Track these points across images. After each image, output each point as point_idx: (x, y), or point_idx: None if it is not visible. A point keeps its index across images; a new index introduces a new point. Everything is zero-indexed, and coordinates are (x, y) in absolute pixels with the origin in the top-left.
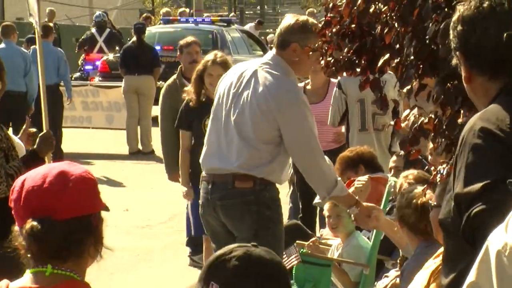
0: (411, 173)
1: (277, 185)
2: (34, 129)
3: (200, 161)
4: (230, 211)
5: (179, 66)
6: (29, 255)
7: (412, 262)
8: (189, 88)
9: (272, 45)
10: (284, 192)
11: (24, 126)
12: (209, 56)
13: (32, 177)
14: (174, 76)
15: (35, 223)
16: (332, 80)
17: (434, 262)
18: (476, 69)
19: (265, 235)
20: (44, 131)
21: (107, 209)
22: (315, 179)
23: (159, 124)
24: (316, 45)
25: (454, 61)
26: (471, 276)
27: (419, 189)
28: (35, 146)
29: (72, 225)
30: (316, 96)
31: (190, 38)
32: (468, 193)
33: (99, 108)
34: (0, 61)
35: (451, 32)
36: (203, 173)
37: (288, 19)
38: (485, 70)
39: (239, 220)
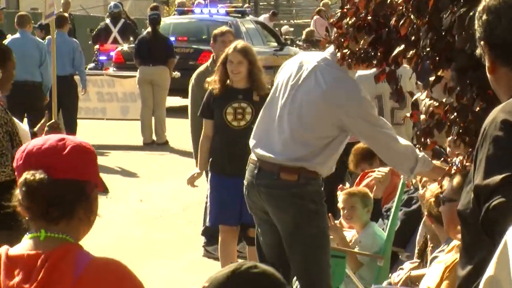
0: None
1: None
2: (53, 121)
3: (250, 143)
4: (275, 201)
5: (211, 55)
6: (26, 216)
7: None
8: (212, 78)
9: (286, 36)
10: None
11: (42, 121)
12: (232, 44)
13: (36, 140)
14: (206, 65)
15: (29, 175)
16: None
17: (448, 256)
18: (501, 59)
19: (308, 228)
20: (53, 120)
21: (105, 189)
22: (396, 159)
23: (189, 114)
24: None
25: (478, 51)
26: (490, 270)
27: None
28: (43, 134)
29: (64, 185)
30: None
31: (224, 28)
32: (487, 185)
33: (114, 99)
34: (7, 51)
35: (476, 21)
36: (251, 156)
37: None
38: (509, 61)
39: (282, 211)
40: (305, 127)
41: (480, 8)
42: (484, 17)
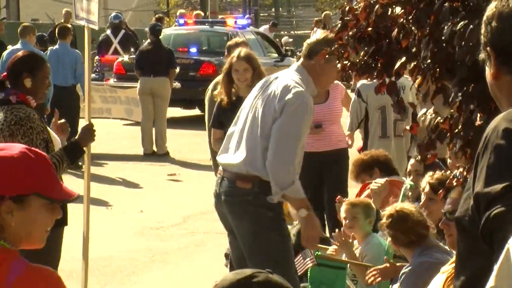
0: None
1: None
2: (63, 120)
3: (218, 158)
4: (232, 208)
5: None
6: None
7: (409, 268)
8: (219, 89)
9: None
10: None
11: (53, 119)
12: (234, 53)
13: None
14: (221, 76)
15: None
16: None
17: (450, 266)
18: (507, 67)
19: (268, 236)
20: (86, 123)
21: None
22: (276, 171)
23: (206, 125)
24: (333, 48)
25: (482, 56)
26: (491, 281)
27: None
28: (77, 137)
29: None
30: (317, 97)
31: (239, 39)
32: (488, 193)
33: (117, 101)
34: (38, 59)
35: (482, 27)
36: (219, 169)
37: (318, 34)
38: None
39: (238, 218)
40: (261, 136)
41: (489, 13)
42: (494, 23)
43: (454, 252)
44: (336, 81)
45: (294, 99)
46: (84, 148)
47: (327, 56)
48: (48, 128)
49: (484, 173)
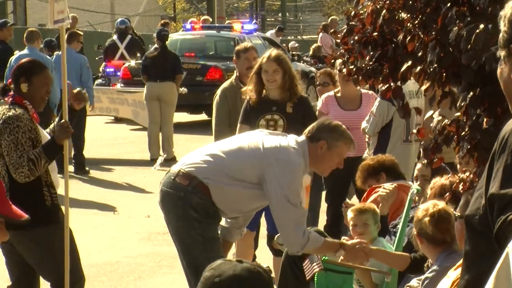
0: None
1: None
2: (78, 89)
3: None
4: (164, 200)
5: (235, 71)
6: None
7: (433, 273)
8: (246, 87)
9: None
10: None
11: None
12: (265, 53)
13: None
14: (231, 80)
15: None
16: (363, 90)
17: (456, 272)
18: None
19: (188, 234)
20: (63, 120)
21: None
22: (288, 236)
23: (212, 130)
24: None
25: (501, 53)
26: (489, 284)
27: (434, 200)
28: (54, 134)
29: None
30: (351, 104)
31: (247, 44)
32: (504, 195)
33: (124, 103)
34: (34, 66)
35: (505, 24)
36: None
37: (323, 120)
38: None
39: (167, 211)
40: (232, 158)
41: (511, 10)
42: None
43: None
44: (365, 90)
45: (291, 166)
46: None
47: (328, 143)
48: (40, 129)
49: (501, 174)
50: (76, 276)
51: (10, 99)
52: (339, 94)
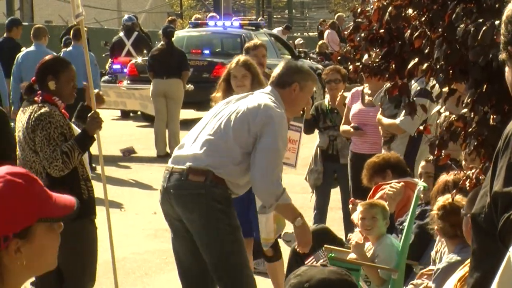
0: (456, 173)
1: (300, 191)
2: (97, 90)
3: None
4: (182, 201)
5: None
6: None
7: (445, 264)
8: (216, 94)
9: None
10: (307, 197)
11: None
12: (233, 60)
13: None
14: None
15: None
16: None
17: (463, 270)
18: None
19: (217, 227)
20: (92, 111)
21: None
22: (264, 184)
23: None
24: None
25: (503, 56)
26: (493, 286)
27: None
28: (85, 125)
29: None
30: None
31: (257, 41)
32: (507, 193)
33: (132, 97)
34: (60, 62)
35: (502, 27)
36: (166, 166)
37: (285, 63)
38: None
39: (189, 211)
40: (227, 136)
41: (509, 13)
42: None
43: None
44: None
45: (278, 118)
46: (95, 136)
47: (300, 84)
48: (72, 126)
49: (504, 172)
50: (93, 276)
51: (40, 97)
52: (366, 90)
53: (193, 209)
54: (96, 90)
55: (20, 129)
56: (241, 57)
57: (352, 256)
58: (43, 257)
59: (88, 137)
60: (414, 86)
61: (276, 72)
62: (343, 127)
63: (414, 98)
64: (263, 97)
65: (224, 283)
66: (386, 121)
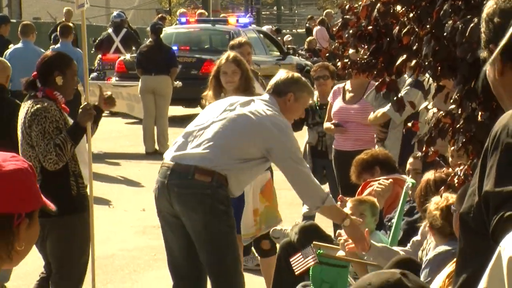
0: (439, 171)
1: (289, 187)
2: (109, 92)
3: (166, 152)
4: (186, 200)
5: None
6: None
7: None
8: (207, 92)
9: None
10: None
11: (99, 93)
12: (222, 56)
13: None
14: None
15: None
16: (373, 82)
17: (450, 268)
18: (511, 63)
19: (218, 227)
20: (84, 103)
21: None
22: (306, 189)
23: None
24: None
25: (483, 54)
26: (483, 282)
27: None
28: (77, 117)
29: None
30: (353, 97)
31: (242, 39)
32: (499, 193)
33: (119, 97)
34: (68, 58)
35: (483, 24)
36: (164, 161)
37: (283, 73)
38: None
39: (193, 210)
40: (234, 140)
41: (489, 10)
42: (497, 19)
43: None
44: (373, 82)
45: (287, 128)
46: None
47: (295, 95)
48: (68, 120)
49: (495, 172)
50: (84, 271)
51: (41, 93)
52: (347, 86)
53: (197, 208)
54: (109, 93)
55: (19, 124)
56: (231, 53)
57: (340, 253)
58: (31, 244)
59: (80, 128)
60: (408, 80)
61: (273, 80)
62: (326, 124)
63: (408, 88)
64: (266, 106)
65: (220, 281)
66: (375, 113)
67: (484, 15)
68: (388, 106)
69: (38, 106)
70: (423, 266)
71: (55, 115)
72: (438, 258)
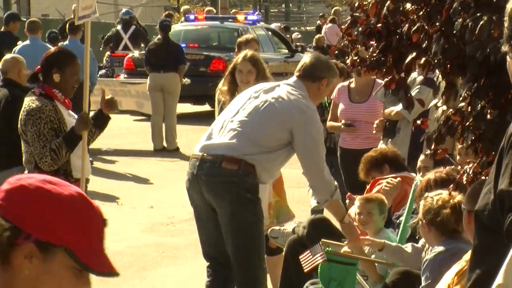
0: (439, 171)
1: (296, 185)
2: (110, 96)
3: (197, 145)
4: (214, 188)
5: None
6: None
7: (434, 254)
8: (222, 87)
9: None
10: (304, 191)
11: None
12: (240, 54)
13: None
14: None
15: None
16: (378, 80)
17: (460, 264)
18: None
19: (245, 215)
20: (82, 111)
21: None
22: (319, 181)
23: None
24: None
25: (504, 48)
26: (499, 278)
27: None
28: (73, 125)
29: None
30: (360, 95)
31: (249, 36)
32: None
33: (127, 95)
34: (67, 55)
35: (506, 20)
36: (194, 153)
37: (314, 57)
38: None
39: (220, 198)
40: (259, 128)
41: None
42: None
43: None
44: (380, 80)
45: (310, 111)
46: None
47: (328, 80)
48: (65, 118)
49: (510, 170)
50: None
51: (39, 89)
52: (352, 85)
53: (224, 196)
54: (109, 96)
55: (19, 119)
56: (249, 52)
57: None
58: None
59: (75, 136)
60: (419, 78)
61: (306, 64)
62: (331, 123)
63: (419, 86)
64: (291, 90)
65: (241, 273)
66: (389, 110)
67: (509, 9)
68: (401, 105)
69: (33, 106)
70: (423, 267)
71: (50, 115)
72: (438, 257)
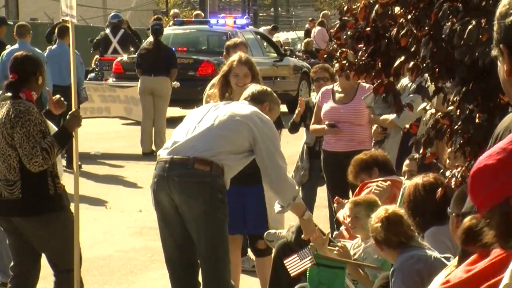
0: (426, 176)
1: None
2: (57, 96)
3: (161, 150)
4: (187, 189)
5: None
6: None
7: (395, 273)
8: (213, 90)
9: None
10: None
11: (48, 97)
12: (234, 57)
13: None
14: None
15: None
16: (362, 83)
17: (449, 268)
18: None
19: (216, 215)
20: (73, 109)
21: None
22: (285, 186)
23: None
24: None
25: (494, 52)
26: (506, 278)
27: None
28: (65, 123)
29: None
30: (345, 97)
31: (237, 39)
32: None
33: (116, 100)
34: (40, 60)
35: (495, 24)
36: (162, 156)
37: (257, 85)
38: None
39: (193, 198)
40: (225, 132)
41: (502, 10)
42: (509, 19)
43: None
44: (364, 83)
45: (269, 122)
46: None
47: (270, 105)
48: (48, 122)
49: None
50: (71, 264)
51: (24, 94)
52: (336, 88)
53: (197, 196)
54: (57, 96)
55: None
56: (243, 55)
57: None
58: None
59: (67, 134)
60: (411, 86)
61: (250, 90)
62: (314, 126)
63: (411, 95)
64: (250, 106)
65: (208, 274)
66: (381, 117)
67: (497, 13)
68: (395, 114)
69: (21, 108)
70: (393, 277)
71: (38, 118)
72: (407, 264)
